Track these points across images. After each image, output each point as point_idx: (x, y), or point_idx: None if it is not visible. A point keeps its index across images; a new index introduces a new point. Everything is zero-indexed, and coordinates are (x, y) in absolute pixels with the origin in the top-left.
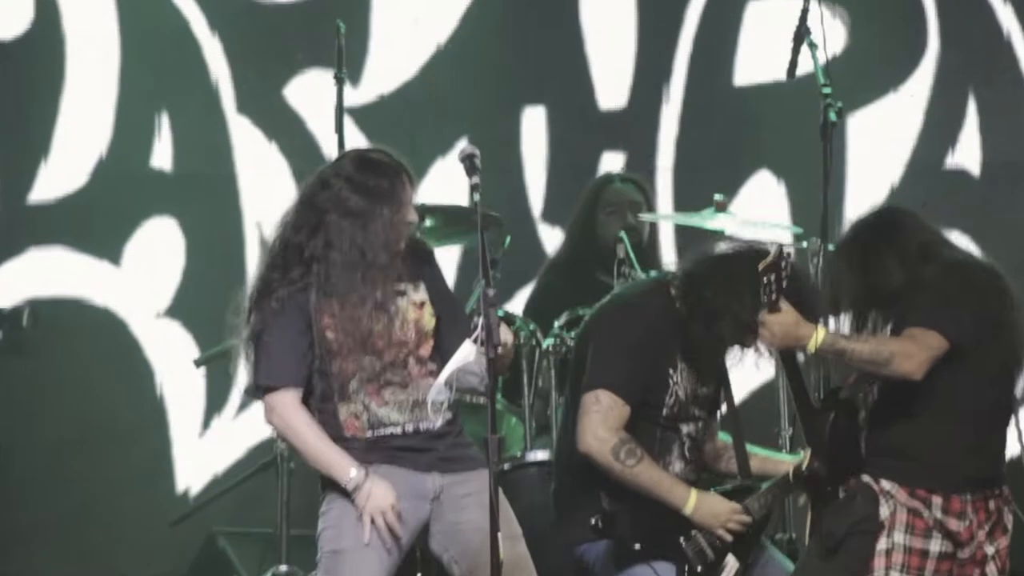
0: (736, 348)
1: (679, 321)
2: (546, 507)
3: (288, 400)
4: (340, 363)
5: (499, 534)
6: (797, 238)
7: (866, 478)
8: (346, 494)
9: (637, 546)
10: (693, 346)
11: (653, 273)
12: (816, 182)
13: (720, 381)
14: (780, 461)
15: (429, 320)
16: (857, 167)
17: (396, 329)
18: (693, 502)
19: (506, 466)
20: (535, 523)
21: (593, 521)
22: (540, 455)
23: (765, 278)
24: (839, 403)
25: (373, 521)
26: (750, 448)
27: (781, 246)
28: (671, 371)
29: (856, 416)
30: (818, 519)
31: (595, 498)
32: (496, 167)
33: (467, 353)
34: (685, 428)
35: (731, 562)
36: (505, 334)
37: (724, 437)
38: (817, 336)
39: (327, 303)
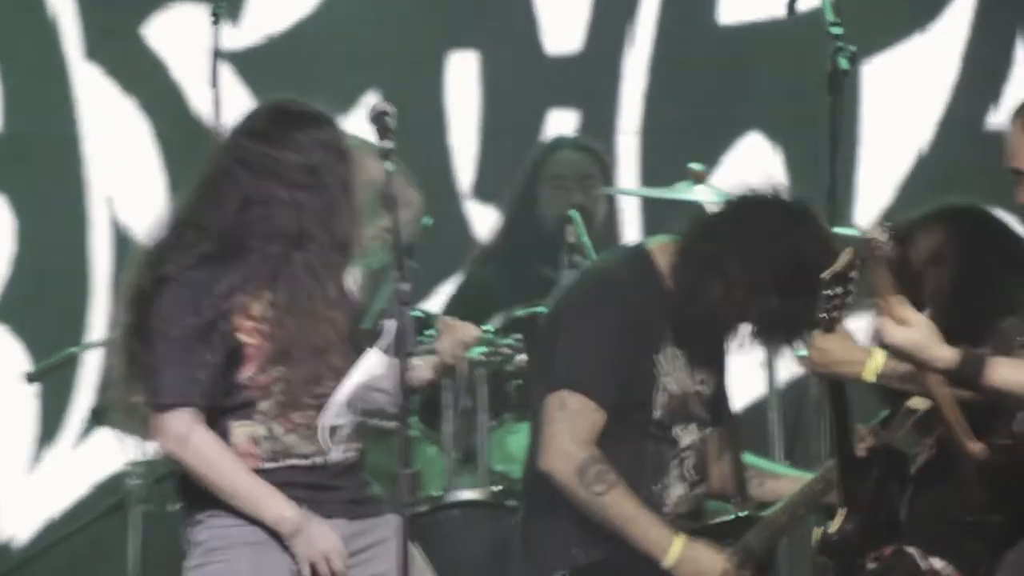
0: (742, 332)
1: (668, 299)
2: (474, 559)
3: (193, 420)
4: (254, 373)
5: None
6: None
7: (911, 550)
8: (246, 543)
9: None
10: (687, 328)
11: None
12: (821, 148)
13: (722, 372)
14: (783, 478)
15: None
16: (874, 128)
17: (333, 334)
18: (676, 553)
19: (422, 508)
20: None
21: None
22: (466, 494)
23: (829, 290)
24: (889, 451)
25: (315, 571)
26: (769, 467)
27: (855, 250)
28: (658, 358)
29: (905, 469)
30: None
31: (562, 537)
32: (414, 128)
33: (373, 365)
34: (685, 437)
35: None
36: (468, 332)
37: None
38: (875, 360)
39: (250, 295)
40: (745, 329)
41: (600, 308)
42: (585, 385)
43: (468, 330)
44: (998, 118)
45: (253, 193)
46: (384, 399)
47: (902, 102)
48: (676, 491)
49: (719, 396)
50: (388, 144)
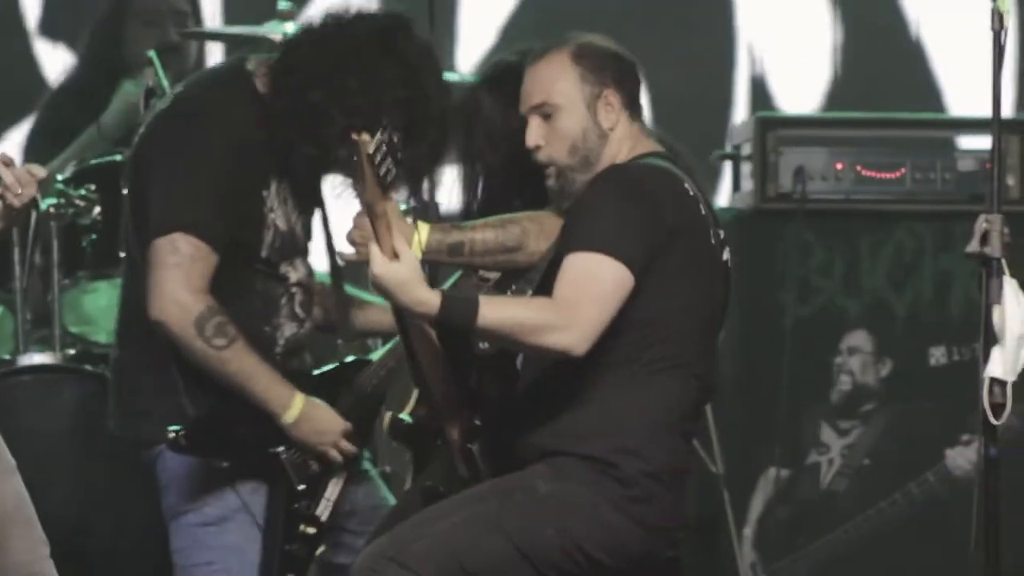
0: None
1: (267, 122)
2: (49, 427)
3: None
4: None
5: None
6: None
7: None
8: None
9: (225, 464)
10: (289, 157)
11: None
12: None
13: (318, 202)
14: (372, 307)
15: None
16: None
17: None
18: (296, 411)
19: None
20: (38, 449)
21: (171, 435)
22: (38, 358)
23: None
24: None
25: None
26: (354, 294)
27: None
28: (265, 193)
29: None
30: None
31: (171, 389)
32: None
33: None
34: (293, 274)
35: (337, 475)
36: (34, 170)
37: (322, 278)
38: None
39: None
40: (344, 156)
41: (201, 140)
42: (198, 225)
43: (34, 169)
44: None
45: None
46: None
47: None
48: (287, 330)
49: (309, 226)
50: None
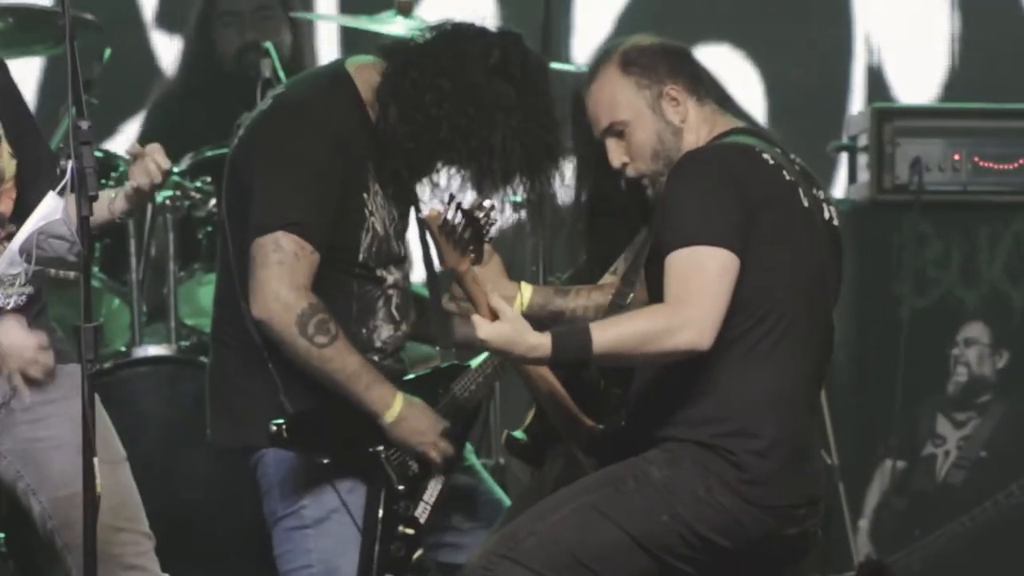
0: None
1: (371, 127)
2: (163, 418)
3: None
4: None
5: (95, 458)
6: None
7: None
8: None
9: (326, 460)
10: (389, 160)
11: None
12: None
13: (414, 206)
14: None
15: (8, 163)
16: None
17: None
18: (397, 410)
19: (106, 364)
20: (149, 441)
21: (273, 428)
22: (153, 350)
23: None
24: None
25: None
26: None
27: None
28: (365, 196)
29: None
30: None
31: (271, 389)
32: None
33: (51, 209)
34: (389, 276)
35: (436, 478)
36: (160, 156)
37: (419, 289)
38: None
39: None
40: (446, 163)
41: (304, 139)
42: (301, 224)
43: (159, 154)
44: None
45: None
46: (64, 247)
47: None
48: (384, 332)
49: (404, 231)
50: None
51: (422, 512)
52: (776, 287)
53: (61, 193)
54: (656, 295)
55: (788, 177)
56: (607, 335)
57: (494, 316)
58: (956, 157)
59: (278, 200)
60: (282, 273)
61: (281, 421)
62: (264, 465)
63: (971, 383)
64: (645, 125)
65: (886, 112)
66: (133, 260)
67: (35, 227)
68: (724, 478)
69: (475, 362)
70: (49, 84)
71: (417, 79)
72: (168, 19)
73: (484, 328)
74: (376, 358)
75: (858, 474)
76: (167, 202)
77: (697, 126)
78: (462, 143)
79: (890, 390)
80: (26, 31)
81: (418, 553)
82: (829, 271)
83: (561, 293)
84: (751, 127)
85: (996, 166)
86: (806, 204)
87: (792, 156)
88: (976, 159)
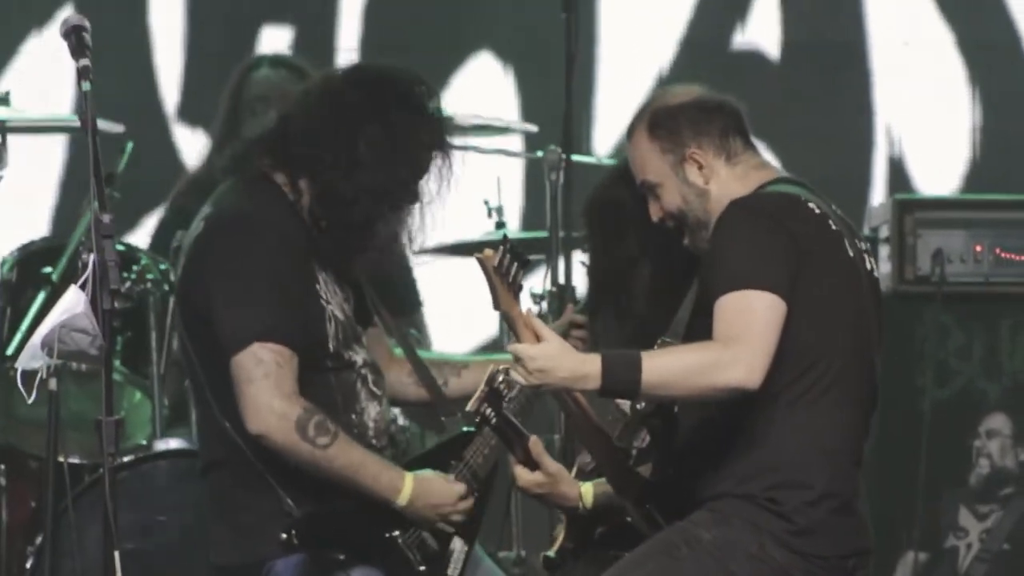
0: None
1: (300, 221)
2: (183, 513)
3: None
4: None
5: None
6: (530, 144)
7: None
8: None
9: (342, 556)
10: (323, 249)
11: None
12: (556, 69)
13: (358, 280)
14: (475, 365)
15: None
16: (613, 47)
17: None
18: (409, 491)
19: (127, 458)
20: (170, 535)
21: (284, 536)
22: (174, 443)
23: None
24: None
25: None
26: (427, 357)
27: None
28: (317, 287)
29: None
30: None
31: (273, 497)
32: (115, 45)
33: (73, 302)
34: (357, 357)
35: (458, 546)
36: None
37: (396, 351)
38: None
39: None
40: (382, 230)
41: (249, 249)
42: (273, 332)
43: None
44: (744, 38)
45: None
46: (85, 340)
47: (642, 19)
48: (372, 411)
49: (365, 302)
50: (85, 62)
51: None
52: (823, 337)
53: (83, 286)
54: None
55: (834, 227)
56: (656, 363)
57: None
58: (978, 248)
59: (244, 314)
60: (270, 385)
61: (292, 525)
62: (275, 575)
63: (993, 475)
64: (670, 188)
65: (908, 203)
66: (155, 354)
67: (57, 320)
68: (774, 532)
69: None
70: (71, 177)
71: (305, 156)
72: (190, 113)
73: (531, 348)
74: (374, 442)
75: (881, 566)
76: None
77: (726, 184)
78: (383, 194)
79: (912, 482)
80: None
81: None
82: (873, 321)
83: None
84: (795, 178)
85: (1018, 257)
86: (851, 254)
87: (834, 207)
88: (998, 250)
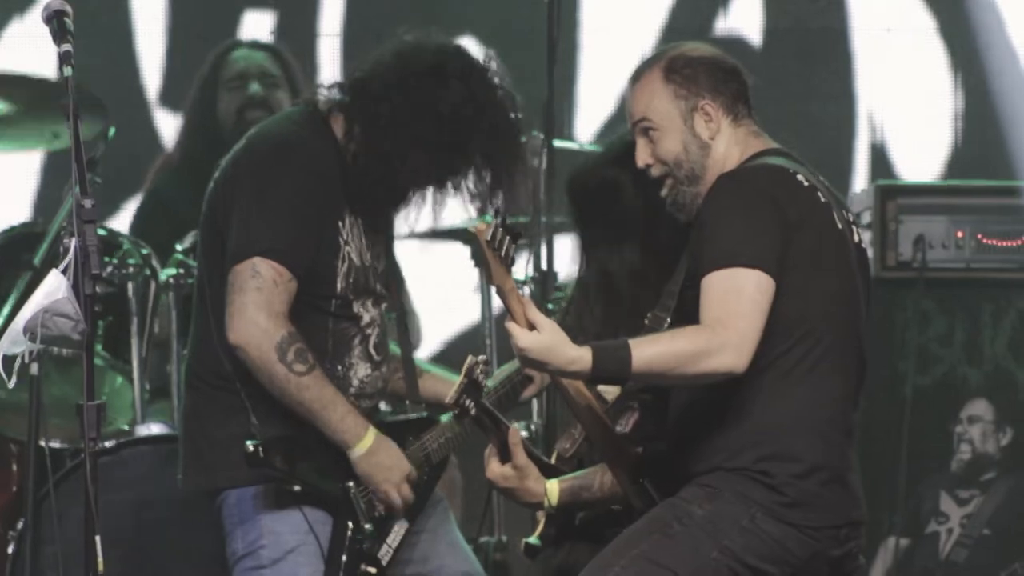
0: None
1: (342, 159)
2: (166, 498)
3: None
4: None
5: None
6: None
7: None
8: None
9: (297, 488)
10: (362, 193)
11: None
12: (539, 55)
13: (391, 246)
14: (430, 376)
15: None
16: (594, 35)
17: None
18: (368, 444)
19: (109, 443)
20: (152, 519)
21: (250, 448)
22: (156, 428)
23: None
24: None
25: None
26: (418, 363)
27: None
28: (340, 225)
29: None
30: None
31: (243, 420)
32: (97, 30)
33: (55, 287)
34: (366, 314)
35: (400, 522)
36: None
37: (393, 347)
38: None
39: None
40: (419, 195)
41: (280, 169)
42: (279, 251)
43: None
44: (726, 24)
45: None
46: (68, 325)
47: (624, 5)
48: (361, 371)
49: (391, 275)
50: (67, 47)
51: (384, 554)
52: (812, 309)
53: (65, 271)
54: (695, 319)
55: (822, 199)
56: (646, 353)
57: (532, 328)
58: (959, 234)
59: (255, 228)
60: (260, 299)
61: (257, 441)
62: (227, 507)
63: (975, 461)
64: (673, 133)
65: (889, 189)
66: (136, 338)
67: (39, 305)
68: (765, 505)
69: (445, 417)
70: (53, 162)
71: (376, 112)
72: (172, 97)
73: (523, 338)
74: (353, 398)
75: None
76: (170, 280)
77: (727, 144)
78: (431, 161)
79: (894, 467)
80: (31, 109)
81: None
82: (861, 294)
83: (586, 487)
84: (784, 149)
85: (999, 243)
86: (839, 226)
87: (822, 179)
88: (980, 236)
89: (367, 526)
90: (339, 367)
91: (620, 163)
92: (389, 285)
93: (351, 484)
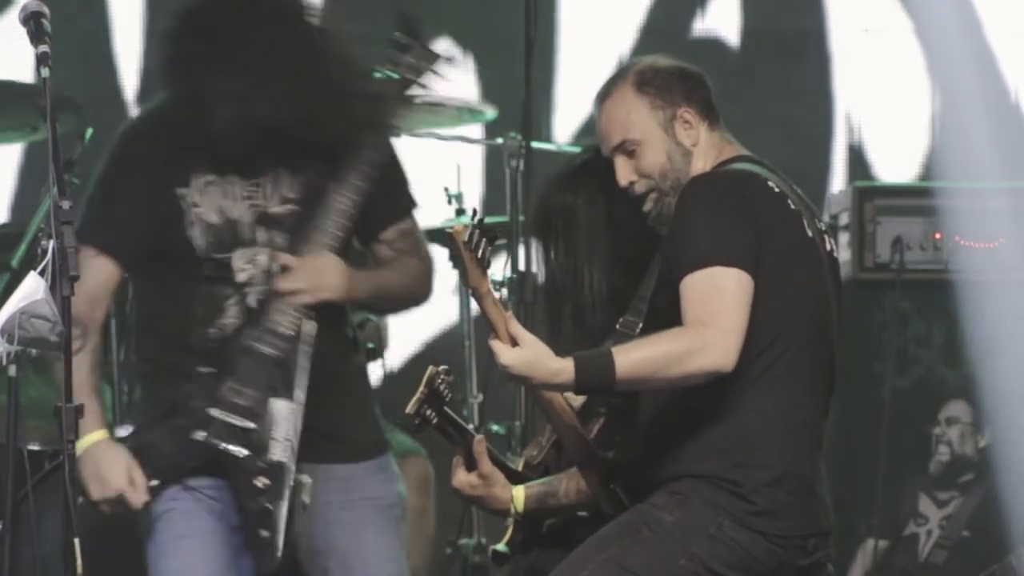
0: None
1: (184, 119)
2: None
3: None
4: None
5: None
6: (490, 131)
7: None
8: None
9: (154, 483)
10: (219, 147)
11: None
12: (516, 55)
13: (314, 192)
14: None
15: None
16: (572, 34)
17: None
18: (83, 446)
19: None
20: (131, 519)
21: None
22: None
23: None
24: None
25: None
26: None
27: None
28: (181, 191)
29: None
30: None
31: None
32: (76, 30)
33: (33, 288)
34: (243, 274)
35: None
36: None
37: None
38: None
39: None
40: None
41: (105, 156)
42: (86, 235)
43: None
44: (703, 25)
45: None
46: (45, 326)
47: (602, 6)
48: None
49: (317, 223)
50: (44, 48)
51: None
52: (781, 315)
53: (43, 273)
54: (667, 323)
55: (793, 206)
56: (629, 358)
57: (514, 343)
58: (937, 236)
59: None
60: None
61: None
62: None
63: (953, 462)
64: (656, 145)
65: (867, 191)
66: (115, 340)
67: (16, 307)
68: (733, 512)
69: None
70: (29, 163)
71: (196, 58)
72: (149, 98)
73: (505, 354)
74: (224, 342)
75: (841, 553)
76: None
77: (706, 150)
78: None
79: (872, 469)
80: (5, 111)
81: None
82: (831, 301)
83: (552, 494)
84: (756, 157)
85: (977, 245)
86: (810, 234)
87: (795, 187)
88: (957, 238)
89: (245, 453)
90: (211, 330)
91: (569, 188)
92: (301, 231)
93: (203, 434)
